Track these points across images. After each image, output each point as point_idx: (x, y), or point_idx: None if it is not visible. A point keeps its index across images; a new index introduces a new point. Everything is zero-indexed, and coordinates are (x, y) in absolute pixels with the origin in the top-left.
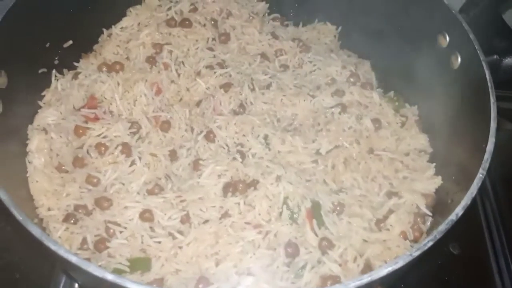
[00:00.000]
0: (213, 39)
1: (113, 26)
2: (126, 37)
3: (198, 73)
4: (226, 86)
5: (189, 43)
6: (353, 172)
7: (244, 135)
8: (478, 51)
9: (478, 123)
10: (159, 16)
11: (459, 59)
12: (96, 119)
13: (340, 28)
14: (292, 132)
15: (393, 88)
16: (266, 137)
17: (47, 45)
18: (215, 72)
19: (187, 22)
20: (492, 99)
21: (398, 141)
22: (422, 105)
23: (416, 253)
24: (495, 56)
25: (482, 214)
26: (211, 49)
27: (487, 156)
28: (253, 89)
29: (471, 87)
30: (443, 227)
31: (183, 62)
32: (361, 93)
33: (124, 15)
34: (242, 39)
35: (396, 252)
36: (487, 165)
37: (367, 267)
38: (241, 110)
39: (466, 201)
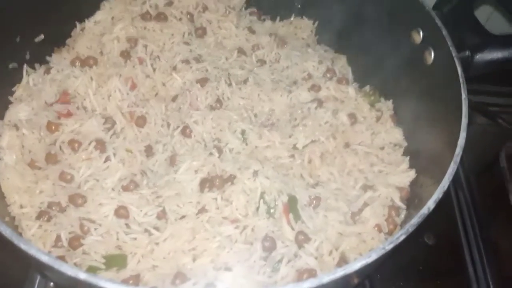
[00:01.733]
0: (189, 33)
1: (86, 20)
2: (99, 31)
3: (174, 68)
4: (203, 81)
5: (164, 37)
6: (329, 166)
7: (221, 130)
8: (451, 48)
9: (451, 118)
10: (133, 10)
11: (433, 55)
12: (69, 114)
13: (317, 23)
14: (269, 127)
15: (369, 82)
16: (243, 132)
17: (17, 39)
18: (191, 67)
19: (163, 16)
20: (464, 95)
21: (373, 135)
22: (397, 99)
23: (389, 247)
24: (467, 52)
25: (456, 206)
26: (187, 44)
27: (458, 150)
28: (230, 84)
29: (444, 83)
30: (415, 220)
31: (158, 57)
32: (337, 88)
33: (98, 8)
34: (219, 33)
35: (371, 245)
36: (458, 159)
37: (342, 260)
38: (218, 105)
39: (437, 194)
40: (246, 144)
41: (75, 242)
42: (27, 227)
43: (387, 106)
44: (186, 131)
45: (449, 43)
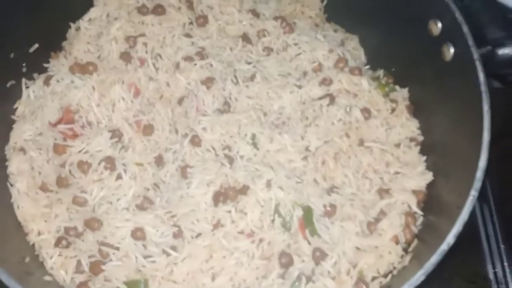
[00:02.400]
0: (190, 23)
1: (80, 19)
2: (96, 31)
3: (177, 66)
4: (208, 82)
5: (164, 31)
6: (344, 167)
7: (231, 137)
8: (472, 48)
9: (472, 117)
10: (129, 3)
11: (452, 52)
12: (75, 135)
13: (326, 0)
14: (280, 127)
15: (382, 66)
16: (253, 137)
17: (12, 55)
18: (195, 64)
19: (160, 9)
20: (486, 106)
21: (388, 130)
22: (412, 87)
23: None
24: (488, 47)
25: None
26: (188, 36)
27: (480, 174)
28: (236, 83)
29: (464, 86)
30: (434, 258)
31: (160, 55)
32: (350, 81)
33: (91, 5)
34: (221, 19)
35: (388, 260)
36: (479, 184)
37: (360, 280)
38: (225, 107)
39: (457, 227)
40: (257, 149)
41: (96, 268)
42: (47, 255)
43: (402, 95)
44: (195, 140)
45: (470, 43)
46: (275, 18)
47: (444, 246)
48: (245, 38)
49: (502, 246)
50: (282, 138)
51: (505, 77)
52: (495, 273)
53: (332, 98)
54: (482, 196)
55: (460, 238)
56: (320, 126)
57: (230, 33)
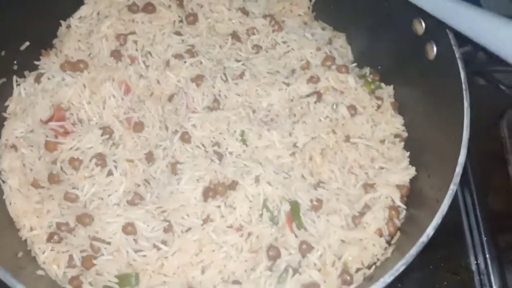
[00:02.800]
0: (180, 21)
1: (71, 18)
2: (86, 29)
3: (167, 64)
4: (198, 79)
5: (154, 29)
6: (331, 163)
7: (220, 133)
8: (454, 47)
9: (454, 115)
10: (119, 1)
11: (435, 50)
12: (66, 133)
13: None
14: (269, 124)
15: (368, 64)
16: (242, 133)
17: (2, 54)
18: (185, 62)
19: (150, 7)
20: (466, 103)
21: (373, 127)
22: (398, 85)
23: (389, 279)
24: (469, 46)
25: None
26: (178, 33)
27: (458, 169)
28: (226, 80)
29: (446, 84)
30: (414, 250)
31: (150, 53)
32: (337, 79)
33: (82, 3)
34: (211, 17)
35: (372, 252)
36: (458, 179)
37: (344, 271)
38: (215, 105)
39: (436, 220)
40: (246, 146)
41: (88, 263)
42: (39, 250)
43: (387, 92)
44: (185, 137)
45: (453, 42)
46: (264, 16)
47: (424, 238)
48: (235, 36)
49: (484, 238)
50: (270, 135)
51: (488, 74)
52: (477, 264)
53: (319, 96)
54: (465, 190)
55: (443, 231)
56: (307, 123)
57: (220, 31)
